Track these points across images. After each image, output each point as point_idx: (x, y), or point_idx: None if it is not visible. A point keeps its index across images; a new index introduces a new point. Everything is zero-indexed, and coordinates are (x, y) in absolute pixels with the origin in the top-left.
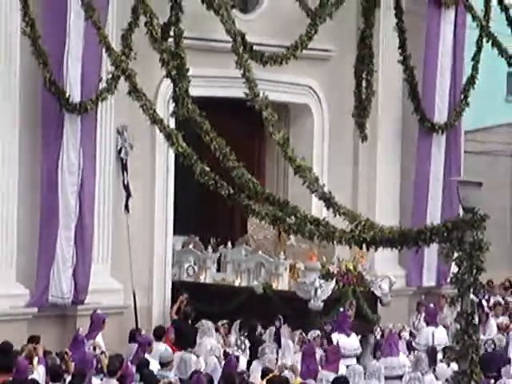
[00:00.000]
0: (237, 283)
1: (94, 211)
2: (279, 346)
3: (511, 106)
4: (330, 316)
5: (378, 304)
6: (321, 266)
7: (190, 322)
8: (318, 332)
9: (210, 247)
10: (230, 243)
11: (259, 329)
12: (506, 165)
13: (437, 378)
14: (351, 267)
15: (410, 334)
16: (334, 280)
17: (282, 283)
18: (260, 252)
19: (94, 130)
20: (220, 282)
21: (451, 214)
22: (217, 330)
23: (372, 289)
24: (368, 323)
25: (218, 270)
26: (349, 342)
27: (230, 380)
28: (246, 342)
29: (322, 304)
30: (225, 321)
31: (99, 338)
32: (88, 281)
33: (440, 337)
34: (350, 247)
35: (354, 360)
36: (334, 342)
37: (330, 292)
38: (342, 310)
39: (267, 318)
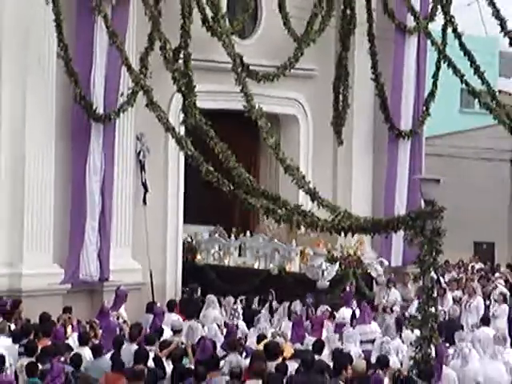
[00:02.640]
0: (255, 266)
1: (113, 205)
2: (272, 316)
3: (464, 116)
4: (335, 293)
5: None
6: (326, 252)
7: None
8: (326, 307)
9: (232, 236)
10: (248, 232)
11: (255, 302)
12: (460, 165)
13: (403, 342)
14: (352, 252)
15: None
16: (338, 263)
17: (294, 266)
18: (275, 240)
19: (113, 137)
20: (241, 265)
21: (414, 206)
22: (220, 303)
23: (369, 270)
24: (366, 299)
25: (240, 254)
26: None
27: (232, 345)
28: (239, 309)
29: (327, 283)
30: (243, 297)
31: (122, 310)
32: (108, 261)
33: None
34: (331, 234)
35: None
36: (341, 316)
37: (334, 273)
38: (348, 289)
39: (282, 294)
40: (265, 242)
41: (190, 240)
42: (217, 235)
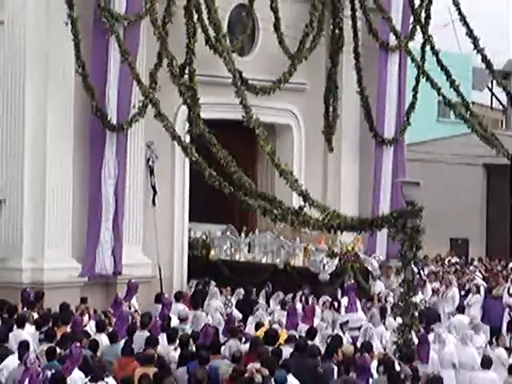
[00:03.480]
0: (263, 261)
1: (125, 206)
2: (269, 305)
3: (441, 125)
4: (334, 285)
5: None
6: (327, 248)
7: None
8: (327, 297)
9: (242, 234)
10: (257, 231)
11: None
12: (438, 169)
13: (386, 329)
14: (350, 248)
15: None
16: (337, 258)
17: (298, 261)
18: (281, 237)
19: (126, 145)
20: (251, 260)
21: (397, 206)
22: (221, 292)
23: (365, 265)
24: (363, 290)
25: (249, 251)
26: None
27: (232, 331)
28: (232, 300)
29: (328, 276)
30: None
31: (133, 300)
32: (121, 257)
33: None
34: (322, 232)
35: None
36: (342, 305)
37: (334, 267)
38: (349, 282)
39: (287, 286)
40: (272, 240)
41: (204, 237)
42: (228, 233)
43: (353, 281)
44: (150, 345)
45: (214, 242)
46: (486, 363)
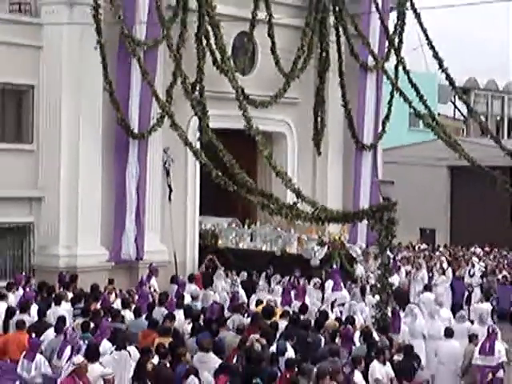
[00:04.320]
0: (263, 249)
1: (146, 202)
2: (270, 285)
3: (412, 133)
4: (323, 269)
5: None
6: (318, 237)
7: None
8: (317, 279)
9: (246, 225)
10: (258, 223)
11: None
12: (409, 170)
13: (366, 305)
14: (337, 238)
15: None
16: (326, 246)
17: (293, 249)
18: (278, 228)
19: (146, 150)
20: (253, 248)
21: (375, 201)
22: (227, 275)
23: (350, 252)
24: (347, 274)
25: (251, 240)
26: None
27: (236, 308)
28: (238, 280)
29: (318, 262)
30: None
31: (153, 282)
32: (143, 245)
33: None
34: (311, 223)
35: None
36: (327, 288)
37: (323, 254)
38: (334, 266)
39: (284, 270)
40: (270, 230)
41: (213, 229)
42: (234, 225)
43: (338, 266)
44: (169, 319)
45: (222, 232)
46: (449, 334)
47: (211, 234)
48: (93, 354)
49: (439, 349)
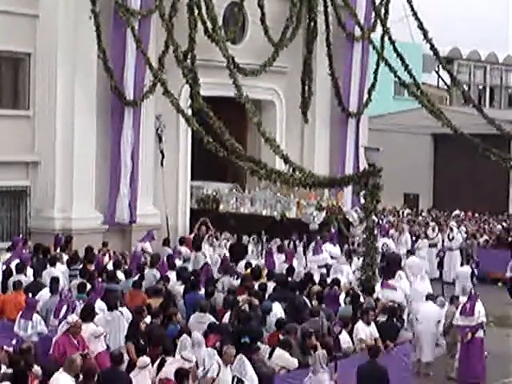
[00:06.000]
0: (264, 213)
1: (139, 167)
2: (262, 249)
3: (397, 102)
4: (322, 232)
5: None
6: (316, 202)
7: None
8: (313, 243)
9: (246, 190)
10: (258, 188)
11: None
12: (394, 137)
13: (351, 267)
14: (334, 203)
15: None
16: (324, 211)
17: (292, 213)
18: (278, 194)
19: (139, 117)
20: (253, 213)
21: (360, 167)
22: (216, 238)
23: (347, 216)
24: (344, 237)
25: (252, 204)
26: (334, 249)
27: (226, 269)
28: (225, 243)
29: (317, 226)
30: (254, 236)
31: (147, 245)
32: (136, 208)
33: None
34: (299, 188)
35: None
36: (324, 250)
37: (321, 218)
38: (332, 230)
39: (282, 233)
40: (270, 195)
41: (214, 194)
42: (234, 190)
43: (336, 230)
44: (163, 281)
45: (223, 197)
46: (429, 297)
47: (212, 199)
48: (87, 314)
49: (420, 309)
